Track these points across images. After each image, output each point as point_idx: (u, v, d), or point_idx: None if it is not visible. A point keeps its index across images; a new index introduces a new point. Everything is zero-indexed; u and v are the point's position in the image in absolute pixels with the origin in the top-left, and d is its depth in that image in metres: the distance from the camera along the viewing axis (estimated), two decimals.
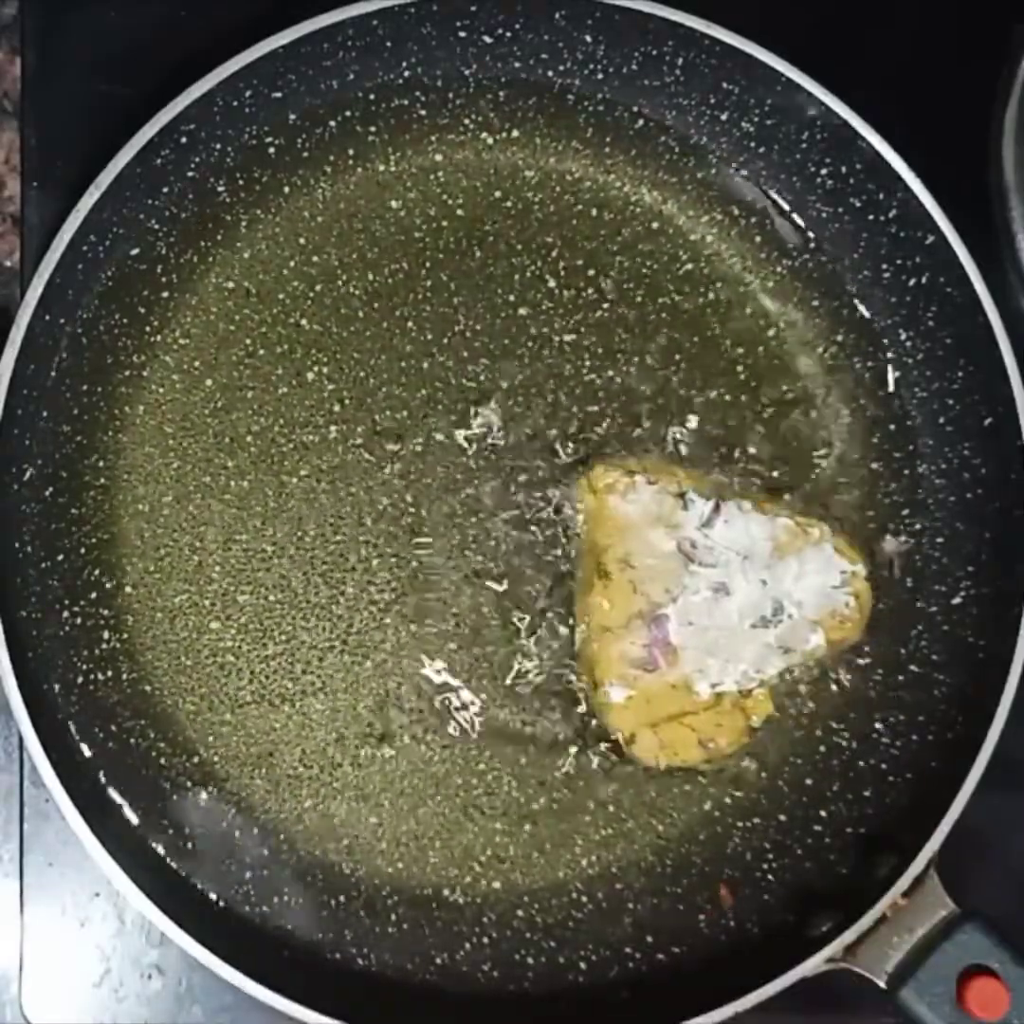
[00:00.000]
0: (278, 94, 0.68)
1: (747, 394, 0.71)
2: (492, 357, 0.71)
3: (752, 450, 0.71)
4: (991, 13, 0.68)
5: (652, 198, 0.72)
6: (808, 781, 0.70)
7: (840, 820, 0.69)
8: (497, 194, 0.72)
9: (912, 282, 0.70)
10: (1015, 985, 0.61)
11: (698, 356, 0.71)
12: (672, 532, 0.69)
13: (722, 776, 0.70)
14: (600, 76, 0.71)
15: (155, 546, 0.69)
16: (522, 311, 0.71)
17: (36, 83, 0.72)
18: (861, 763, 0.70)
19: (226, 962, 0.62)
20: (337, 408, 0.70)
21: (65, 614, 0.68)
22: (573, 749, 0.69)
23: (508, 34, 0.69)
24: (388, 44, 0.68)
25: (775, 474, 0.71)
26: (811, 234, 0.72)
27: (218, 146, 0.69)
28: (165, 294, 0.70)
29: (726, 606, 0.68)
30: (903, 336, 0.71)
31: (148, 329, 0.70)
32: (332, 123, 0.71)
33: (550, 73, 0.71)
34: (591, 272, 0.72)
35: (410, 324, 0.71)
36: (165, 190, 0.69)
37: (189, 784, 0.68)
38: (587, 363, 0.71)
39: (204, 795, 0.68)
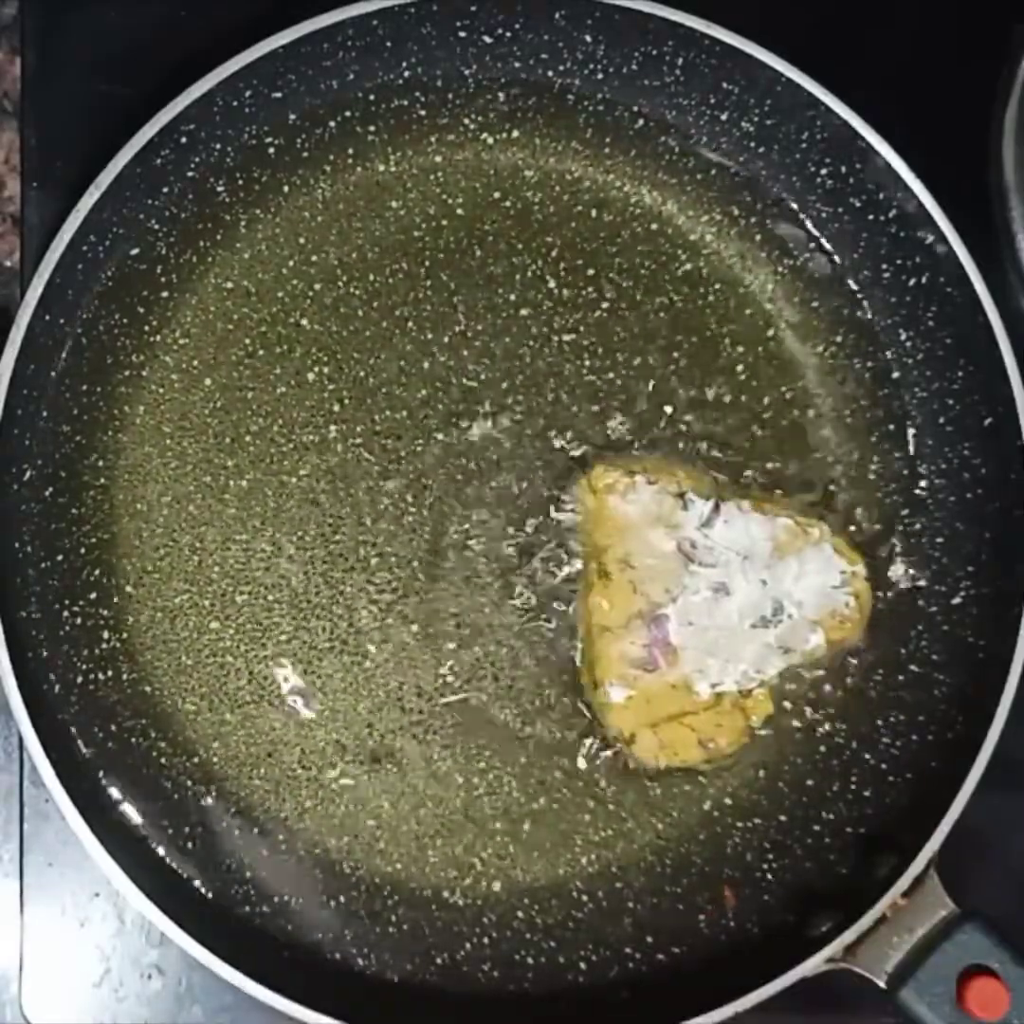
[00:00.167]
0: (278, 94, 0.68)
1: (747, 394, 0.71)
2: (492, 357, 0.71)
3: (752, 450, 0.71)
4: (991, 13, 0.68)
5: (652, 198, 0.72)
6: (808, 781, 0.70)
7: (840, 820, 0.69)
8: (497, 194, 0.72)
9: (912, 282, 0.70)
10: (1015, 985, 0.61)
11: (698, 356, 0.71)
12: (672, 532, 0.69)
13: (722, 776, 0.70)
14: (600, 76, 0.71)
15: (154, 546, 0.69)
16: (522, 311, 0.71)
17: (36, 83, 0.72)
18: (861, 763, 0.70)
19: (226, 962, 0.62)
20: (337, 408, 0.70)
21: (65, 614, 0.68)
22: (573, 749, 0.69)
23: (508, 34, 0.69)
24: (388, 44, 0.68)
25: (775, 474, 0.71)
26: (811, 234, 0.72)
27: (218, 146, 0.69)
28: (165, 294, 0.70)
29: (726, 606, 0.68)
30: (903, 336, 0.71)
31: (148, 329, 0.70)
32: (332, 123, 0.71)
33: (550, 73, 0.71)
34: (591, 272, 0.72)
35: (410, 324, 0.71)
36: (165, 190, 0.69)
37: (189, 784, 0.68)
38: (587, 363, 0.71)
39: (204, 795, 0.68)
